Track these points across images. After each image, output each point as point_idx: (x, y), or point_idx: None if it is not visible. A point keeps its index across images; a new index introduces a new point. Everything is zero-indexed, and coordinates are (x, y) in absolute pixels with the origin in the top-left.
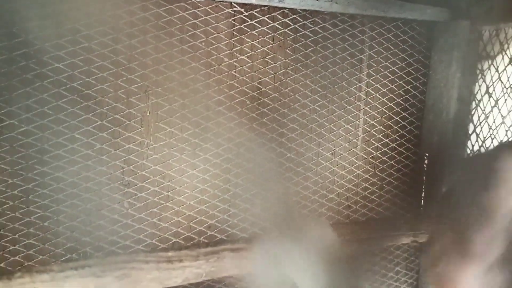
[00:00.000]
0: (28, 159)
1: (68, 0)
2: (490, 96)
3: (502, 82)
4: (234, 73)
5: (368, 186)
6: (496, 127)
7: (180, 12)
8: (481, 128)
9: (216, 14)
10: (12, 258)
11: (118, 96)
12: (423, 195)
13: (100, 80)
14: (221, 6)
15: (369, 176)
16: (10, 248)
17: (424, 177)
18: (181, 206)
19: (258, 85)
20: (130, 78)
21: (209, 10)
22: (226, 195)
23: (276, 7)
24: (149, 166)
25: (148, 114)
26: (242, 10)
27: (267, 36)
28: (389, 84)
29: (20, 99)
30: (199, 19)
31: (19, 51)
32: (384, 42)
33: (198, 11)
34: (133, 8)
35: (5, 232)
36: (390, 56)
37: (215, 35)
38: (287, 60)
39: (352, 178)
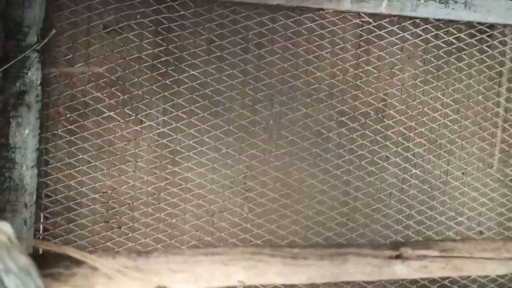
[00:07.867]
0: (161, 158)
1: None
2: None
3: None
4: (359, 83)
5: (505, 212)
6: None
7: (308, 23)
8: None
9: (344, 25)
10: (130, 244)
11: (244, 103)
12: None
13: (229, 88)
14: (349, 17)
15: (506, 200)
16: (129, 235)
17: None
18: (299, 215)
19: (384, 96)
20: (256, 86)
21: (336, 21)
22: (345, 208)
23: (407, 16)
24: (270, 172)
25: (271, 122)
26: (371, 20)
27: (396, 47)
28: None
29: (158, 102)
30: (326, 30)
31: (160, 59)
32: None
33: (325, 21)
34: (263, 19)
35: (138, 225)
36: None
37: (341, 45)
38: (416, 71)
39: (486, 201)
